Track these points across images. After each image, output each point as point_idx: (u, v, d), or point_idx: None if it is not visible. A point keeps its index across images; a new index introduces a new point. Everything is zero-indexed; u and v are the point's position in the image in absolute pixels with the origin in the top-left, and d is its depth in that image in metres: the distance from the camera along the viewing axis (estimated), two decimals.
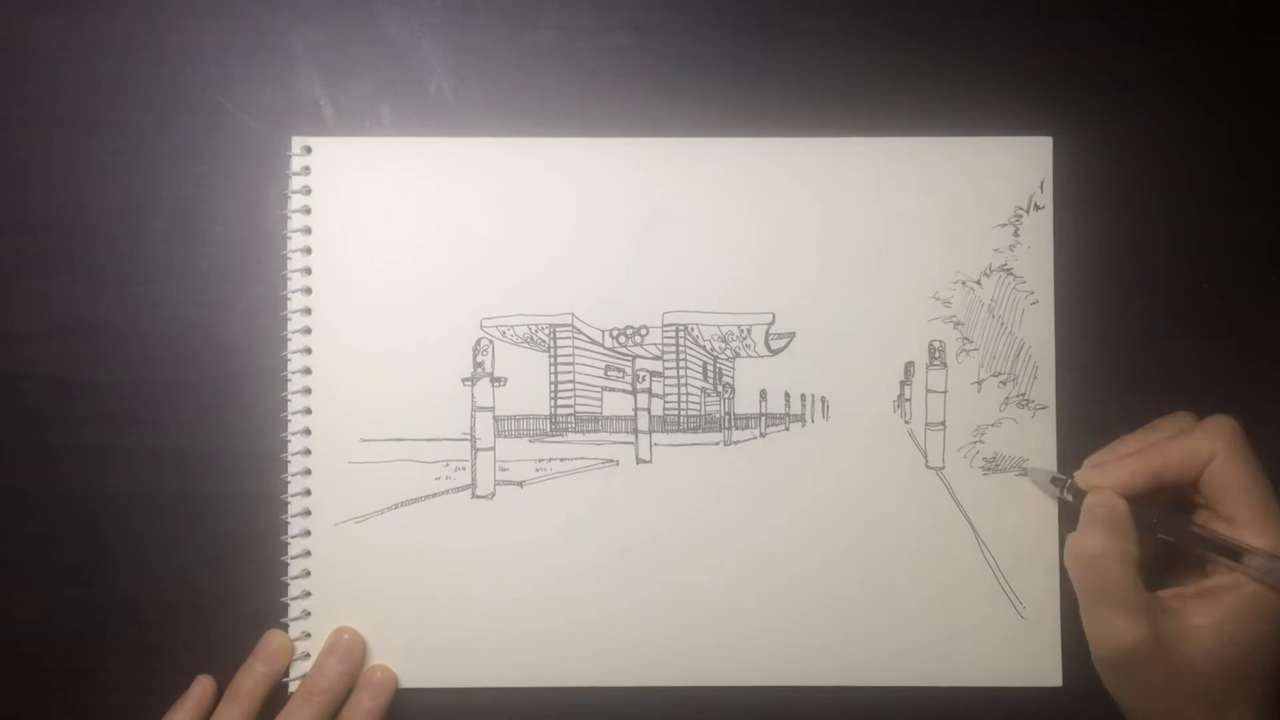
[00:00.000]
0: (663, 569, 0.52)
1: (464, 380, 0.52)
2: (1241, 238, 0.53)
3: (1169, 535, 0.47)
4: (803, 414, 0.52)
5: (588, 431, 0.53)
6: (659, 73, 0.54)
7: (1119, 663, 0.46)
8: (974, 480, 0.52)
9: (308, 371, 0.52)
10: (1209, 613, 0.45)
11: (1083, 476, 0.48)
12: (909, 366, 0.52)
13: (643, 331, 0.53)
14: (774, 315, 0.52)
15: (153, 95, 0.53)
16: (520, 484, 0.52)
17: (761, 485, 0.52)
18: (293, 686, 0.52)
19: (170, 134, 0.53)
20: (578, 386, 0.53)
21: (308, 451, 0.52)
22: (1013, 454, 0.52)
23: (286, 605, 0.52)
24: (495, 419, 0.52)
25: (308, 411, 0.52)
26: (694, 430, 0.53)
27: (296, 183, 0.53)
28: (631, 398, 0.53)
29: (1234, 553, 0.45)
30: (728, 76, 0.54)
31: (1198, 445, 0.46)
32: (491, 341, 0.52)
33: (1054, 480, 0.50)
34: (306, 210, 0.53)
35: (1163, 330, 0.53)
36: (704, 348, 0.53)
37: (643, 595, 0.52)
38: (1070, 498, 0.49)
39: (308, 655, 0.52)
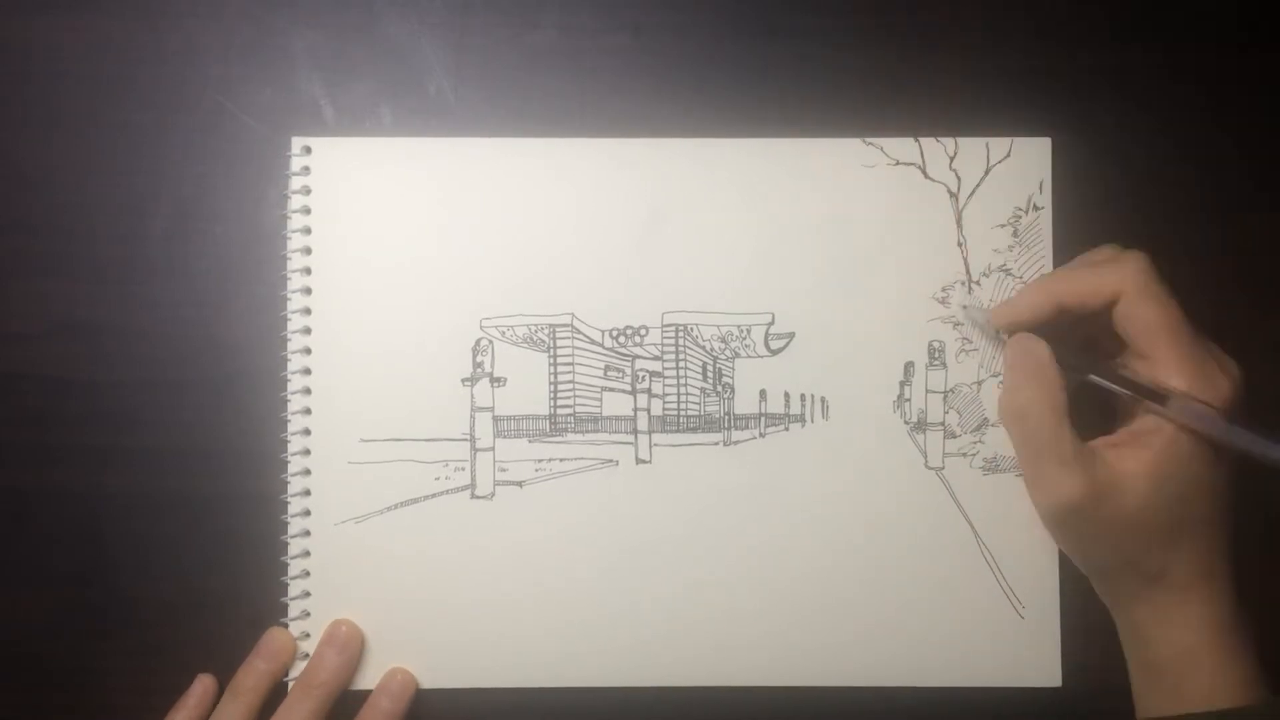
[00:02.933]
0: (662, 569, 0.52)
1: (464, 380, 0.52)
2: (1241, 238, 0.53)
3: (1092, 375, 0.48)
4: (802, 414, 0.52)
5: (587, 432, 0.53)
6: (659, 73, 0.54)
7: (1063, 517, 0.47)
8: (974, 480, 0.52)
9: (308, 371, 0.52)
10: (1139, 458, 0.46)
11: (995, 312, 0.50)
12: (909, 367, 0.52)
13: (642, 332, 0.53)
14: (773, 315, 0.52)
15: (153, 95, 0.53)
16: (520, 484, 0.52)
17: (761, 485, 0.52)
18: (293, 685, 0.52)
19: (170, 134, 0.53)
20: (577, 387, 0.53)
21: (307, 451, 0.52)
22: (1012, 454, 0.52)
23: (286, 605, 0.52)
24: (495, 419, 0.52)
25: (308, 411, 0.52)
26: (693, 430, 0.53)
27: (296, 183, 0.53)
28: (631, 398, 0.53)
29: (1153, 394, 0.46)
30: (728, 76, 0.54)
31: (1104, 280, 0.47)
32: (491, 342, 0.52)
33: (975, 310, 0.51)
34: (306, 210, 0.53)
35: None
36: (704, 348, 0.53)
37: (641, 596, 0.52)
38: (995, 333, 0.51)
39: (307, 655, 0.52)
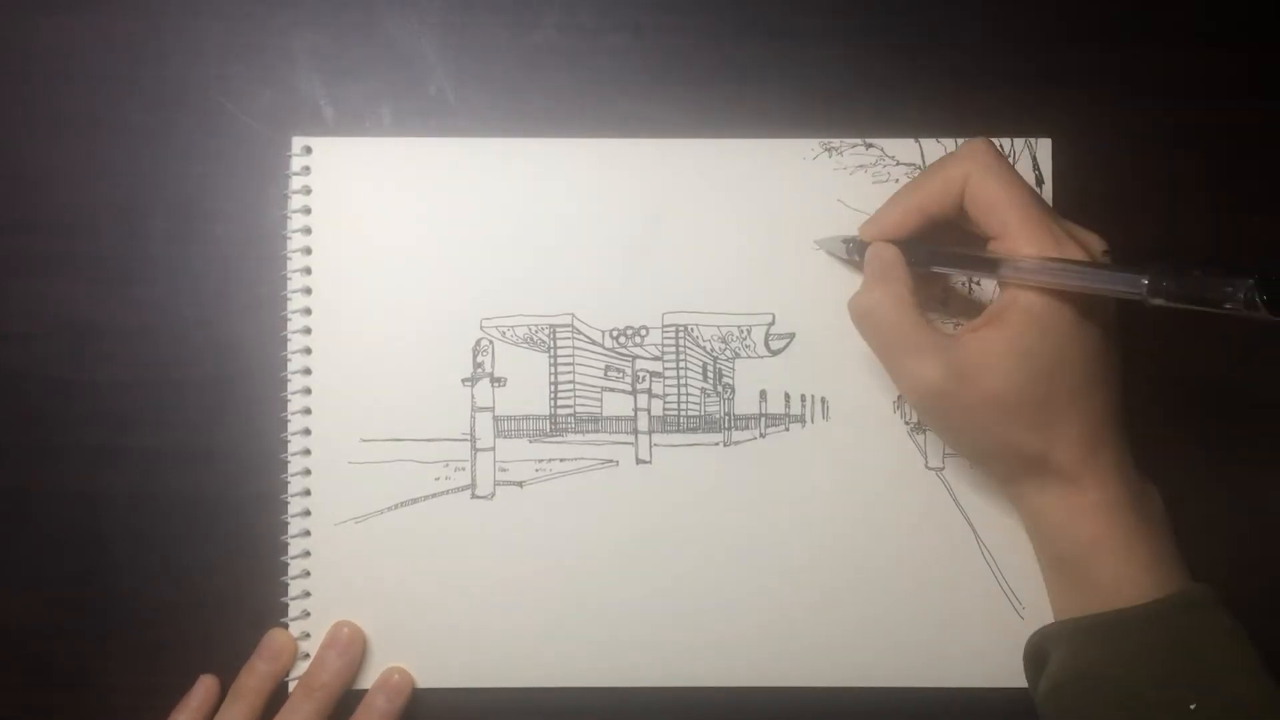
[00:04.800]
0: (662, 569, 0.52)
1: (464, 380, 0.52)
2: (1242, 238, 0.53)
3: (939, 264, 0.48)
4: (802, 414, 0.52)
5: (587, 432, 0.53)
6: (659, 73, 0.54)
7: (928, 404, 0.46)
8: (974, 480, 0.52)
9: (308, 371, 0.52)
10: (999, 334, 0.45)
11: (862, 228, 0.50)
12: None
13: (643, 332, 0.53)
14: (774, 315, 0.52)
15: (153, 95, 0.53)
16: (520, 484, 0.52)
17: (761, 486, 0.52)
18: (294, 686, 0.52)
19: (170, 134, 0.53)
20: (577, 387, 0.53)
21: (308, 451, 0.52)
22: None
23: (287, 605, 0.52)
24: (495, 419, 0.52)
25: (308, 411, 0.52)
26: (694, 431, 0.53)
27: (296, 183, 0.53)
28: (631, 398, 0.53)
29: (987, 264, 0.45)
30: (728, 76, 0.54)
31: (951, 170, 0.47)
32: (491, 342, 0.52)
33: (845, 241, 0.51)
34: (306, 210, 0.53)
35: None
36: (704, 348, 0.53)
37: (641, 596, 0.52)
38: (858, 258, 0.50)
39: (307, 656, 0.52)
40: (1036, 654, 0.48)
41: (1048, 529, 0.47)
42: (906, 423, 0.52)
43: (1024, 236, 0.45)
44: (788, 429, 0.52)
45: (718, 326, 0.53)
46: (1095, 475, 0.45)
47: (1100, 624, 0.45)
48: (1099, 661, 0.44)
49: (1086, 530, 0.45)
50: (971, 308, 0.52)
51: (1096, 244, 0.46)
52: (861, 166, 0.52)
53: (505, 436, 0.52)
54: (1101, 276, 0.43)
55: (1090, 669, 0.45)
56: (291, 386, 0.52)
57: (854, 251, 0.50)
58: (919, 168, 0.52)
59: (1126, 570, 0.45)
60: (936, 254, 0.48)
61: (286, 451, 0.52)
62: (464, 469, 0.52)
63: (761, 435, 0.52)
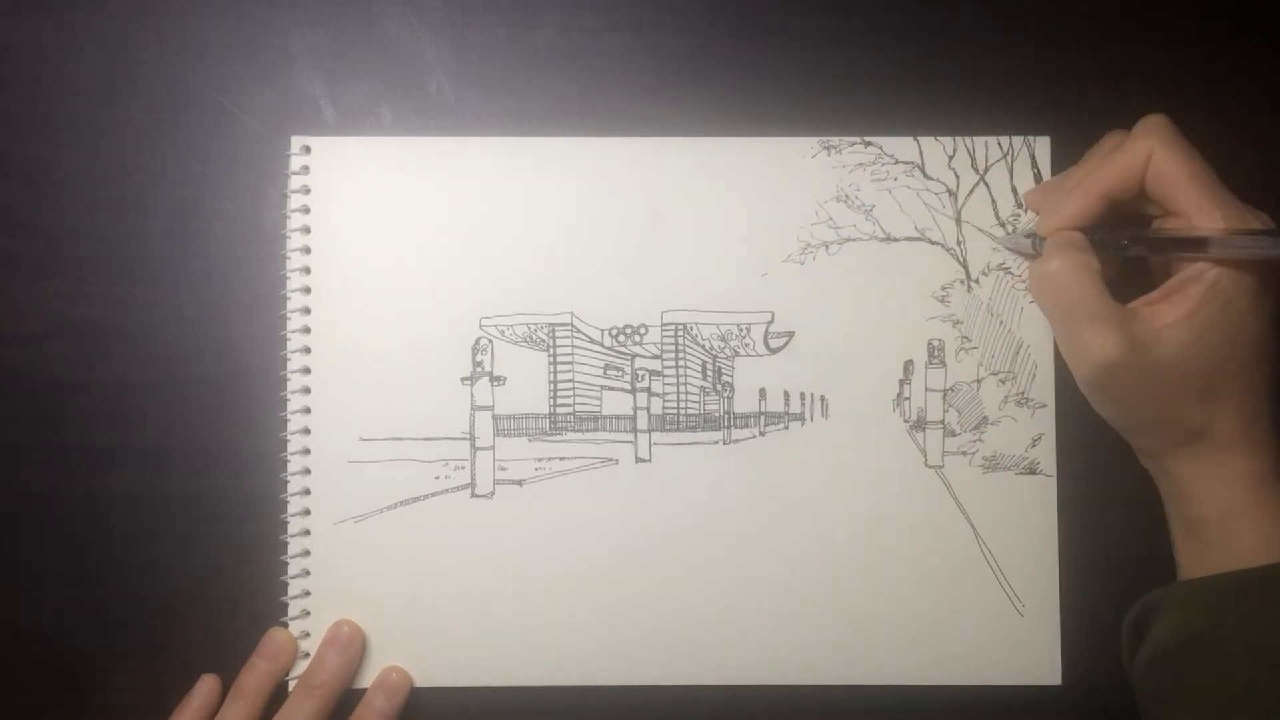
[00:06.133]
0: (661, 568, 0.52)
1: (463, 379, 0.52)
2: None
3: (1131, 247, 0.47)
4: (802, 413, 0.52)
5: (587, 430, 0.53)
6: (659, 73, 0.54)
7: (1103, 377, 0.46)
8: (973, 479, 0.52)
9: (307, 371, 0.52)
10: (1179, 308, 0.45)
11: (1040, 224, 0.49)
12: (908, 365, 0.52)
13: (642, 330, 0.53)
14: (773, 314, 0.52)
15: (153, 95, 0.54)
16: (519, 483, 0.52)
17: (761, 484, 0.52)
18: (294, 685, 0.52)
19: (170, 134, 0.53)
20: (577, 386, 0.53)
21: (307, 451, 0.52)
22: (1012, 453, 0.52)
23: (286, 605, 0.52)
24: (494, 418, 0.52)
25: (307, 411, 0.52)
26: (693, 429, 0.53)
27: (296, 182, 0.53)
28: (631, 397, 0.53)
29: (1194, 242, 0.45)
30: (728, 76, 0.54)
31: (1133, 149, 0.46)
32: (491, 341, 0.53)
33: (1027, 236, 0.50)
34: (306, 210, 0.53)
35: None
36: (703, 347, 0.53)
37: (641, 594, 0.52)
38: (1026, 253, 0.50)
39: (307, 655, 0.52)
40: (1141, 620, 0.47)
41: (1192, 492, 0.47)
42: (906, 421, 0.52)
43: (1211, 212, 0.45)
44: (787, 427, 0.52)
45: (717, 325, 0.53)
46: (1250, 445, 0.46)
47: (1234, 580, 0.45)
48: (1225, 619, 0.45)
49: (1235, 496, 0.46)
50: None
51: (1269, 219, 0.46)
52: (860, 165, 0.53)
53: (505, 435, 0.52)
54: None
55: (1213, 627, 0.45)
56: (291, 386, 0.52)
57: (1040, 246, 0.49)
58: (918, 166, 0.53)
59: (1268, 534, 0.45)
60: (1124, 235, 0.47)
61: (286, 451, 0.52)
62: (463, 468, 0.52)
63: (761, 434, 0.52)
